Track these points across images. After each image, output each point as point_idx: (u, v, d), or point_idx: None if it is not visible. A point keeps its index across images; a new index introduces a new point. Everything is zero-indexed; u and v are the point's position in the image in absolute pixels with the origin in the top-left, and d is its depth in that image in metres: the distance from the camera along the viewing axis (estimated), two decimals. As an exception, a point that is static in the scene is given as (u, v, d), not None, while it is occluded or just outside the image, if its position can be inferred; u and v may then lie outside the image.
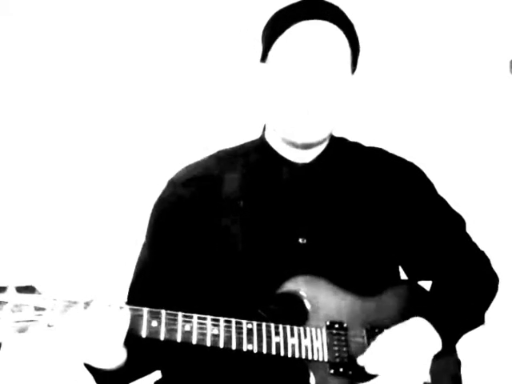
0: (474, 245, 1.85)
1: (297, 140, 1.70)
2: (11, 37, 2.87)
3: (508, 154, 2.93)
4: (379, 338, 1.59)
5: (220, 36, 2.89)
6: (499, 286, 1.81)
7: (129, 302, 1.64)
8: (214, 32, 2.90)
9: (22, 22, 2.89)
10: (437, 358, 1.62)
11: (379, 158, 1.84)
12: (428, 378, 1.64)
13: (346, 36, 1.70)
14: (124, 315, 1.44)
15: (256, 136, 1.84)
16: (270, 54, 1.72)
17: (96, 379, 1.61)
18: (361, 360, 1.57)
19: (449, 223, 1.83)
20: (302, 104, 1.65)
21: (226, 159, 1.80)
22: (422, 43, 2.94)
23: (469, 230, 1.86)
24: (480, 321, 1.76)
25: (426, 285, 1.78)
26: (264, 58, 1.74)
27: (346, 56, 1.70)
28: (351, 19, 1.74)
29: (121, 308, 1.44)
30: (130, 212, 2.71)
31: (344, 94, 1.71)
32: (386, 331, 1.60)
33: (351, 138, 1.88)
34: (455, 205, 1.87)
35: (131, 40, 2.91)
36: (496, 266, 1.83)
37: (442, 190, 1.87)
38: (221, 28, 2.89)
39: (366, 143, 1.89)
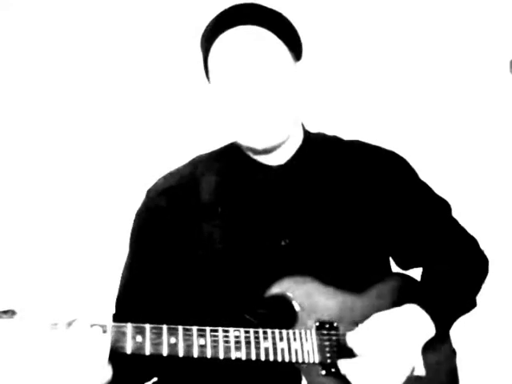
0: (462, 228, 1.83)
1: (257, 147, 1.68)
2: (10, 32, 2.88)
3: (508, 154, 2.92)
4: (370, 319, 1.57)
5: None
6: (494, 278, 1.80)
7: (116, 315, 1.69)
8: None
9: (21, 17, 2.90)
10: (432, 347, 1.62)
11: (358, 149, 1.81)
12: (422, 370, 1.63)
13: (272, 31, 1.66)
14: (105, 338, 1.43)
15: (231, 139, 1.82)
16: (209, 73, 1.72)
17: None
18: (349, 339, 1.55)
19: (434, 208, 1.81)
20: (247, 112, 1.63)
21: (201, 166, 1.78)
22: (422, 43, 2.92)
23: (469, 226, 1.86)
24: (472, 304, 1.75)
25: (418, 276, 1.77)
26: (208, 78, 1.74)
27: (277, 51, 1.66)
28: (283, 11, 1.71)
29: (103, 327, 1.43)
30: (112, 225, 2.72)
31: (289, 88, 1.67)
32: (376, 314, 1.58)
33: (348, 137, 1.87)
34: (454, 203, 1.86)
35: (127, 40, 2.92)
36: (493, 259, 1.83)
37: (441, 190, 1.87)
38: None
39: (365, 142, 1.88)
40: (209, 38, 1.69)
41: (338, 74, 2.91)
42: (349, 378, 1.53)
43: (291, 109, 1.69)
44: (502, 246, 2.66)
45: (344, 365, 1.54)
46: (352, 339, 1.56)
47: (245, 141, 1.69)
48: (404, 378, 1.55)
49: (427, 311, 1.60)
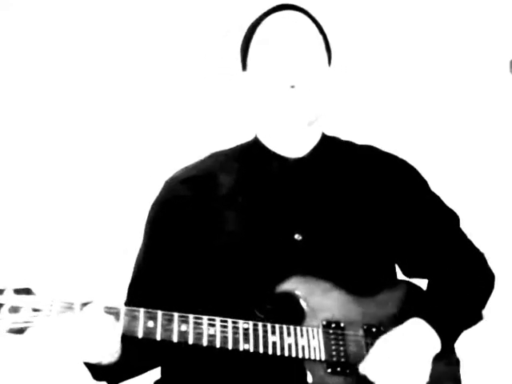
0: (469, 241, 1.85)
1: (287, 118, 1.71)
2: (10, 32, 2.87)
3: (508, 154, 2.93)
4: (378, 342, 1.58)
5: (216, 39, 2.90)
6: (496, 282, 1.81)
7: (127, 302, 1.68)
8: (209, 35, 2.91)
9: (21, 17, 2.89)
10: (436, 356, 1.62)
11: (372, 155, 1.85)
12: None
13: (315, 25, 1.77)
14: (118, 323, 1.45)
15: (249, 139, 1.87)
16: (248, 58, 1.77)
17: (92, 374, 1.62)
18: (362, 368, 1.56)
19: (443, 219, 1.83)
20: (285, 81, 1.69)
21: (220, 159, 1.82)
22: (422, 43, 2.94)
23: (468, 228, 1.86)
24: (478, 318, 1.76)
25: (422, 284, 1.78)
26: (244, 67, 1.80)
27: (317, 39, 1.76)
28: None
29: (116, 311, 1.45)
30: (128, 212, 2.71)
31: (324, 76, 1.74)
32: (384, 335, 1.59)
33: (348, 137, 1.89)
34: (455, 204, 1.87)
35: (131, 37, 2.92)
36: (494, 264, 1.84)
37: (441, 190, 1.88)
38: (217, 31, 2.90)
39: (363, 141, 1.89)
40: (256, 21, 1.78)
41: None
42: None
43: (323, 96, 1.74)
44: (506, 258, 2.65)
45: None
46: (365, 369, 1.56)
47: (275, 115, 1.73)
48: None
49: (433, 326, 1.62)
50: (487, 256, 1.84)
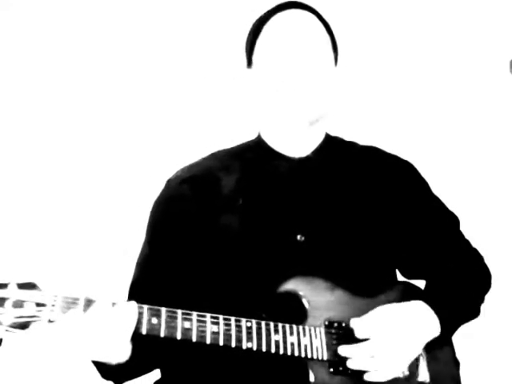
0: (468, 243, 1.87)
1: (287, 117, 1.71)
2: (10, 32, 2.88)
3: (508, 154, 2.94)
4: (378, 308, 1.60)
5: (217, 38, 2.90)
6: (495, 284, 1.83)
7: (129, 300, 1.68)
8: (211, 34, 2.91)
9: (21, 17, 2.90)
10: (436, 357, 1.64)
11: (375, 156, 1.85)
12: (426, 375, 1.64)
13: (322, 23, 1.77)
14: (132, 310, 1.44)
15: (252, 137, 1.87)
16: (254, 55, 1.77)
17: (100, 372, 1.61)
18: (353, 322, 1.58)
19: (443, 222, 1.85)
20: (289, 81, 1.68)
21: (223, 158, 1.81)
22: (422, 43, 2.95)
23: (467, 229, 1.87)
24: (476, 312, 1.78)
25: (421, 284, 1.79)
26: (249, 64, 1.79)
27: (324, 38, 1.76)
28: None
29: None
30: (131, 210, 2.71)
31: (329, 76, 1.74)
32: (385, 305, 1.61)
33: (349, 137, 1.89)
34: (454, 204, 1.88)
35: (132, 36, 2.93)
36: (493, 266, 1.85)
37: (440, 190, 1.89)
38: (219, 30, 2.91)
39: (364, 142, 1.90)
40: (263, 18, 1.77)
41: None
42: (348, 362, 1.55)
43: (329, 93, 1.74)
44: (504, 257, 2.66)
45: (344, 349, 1.56)
46: (356, 323, 1.58)
47: (281, 114, 1.72)
48: (405, 364, 1.58)
49: (433, 308, 1.63)
50: (487, 257, 1.86)
